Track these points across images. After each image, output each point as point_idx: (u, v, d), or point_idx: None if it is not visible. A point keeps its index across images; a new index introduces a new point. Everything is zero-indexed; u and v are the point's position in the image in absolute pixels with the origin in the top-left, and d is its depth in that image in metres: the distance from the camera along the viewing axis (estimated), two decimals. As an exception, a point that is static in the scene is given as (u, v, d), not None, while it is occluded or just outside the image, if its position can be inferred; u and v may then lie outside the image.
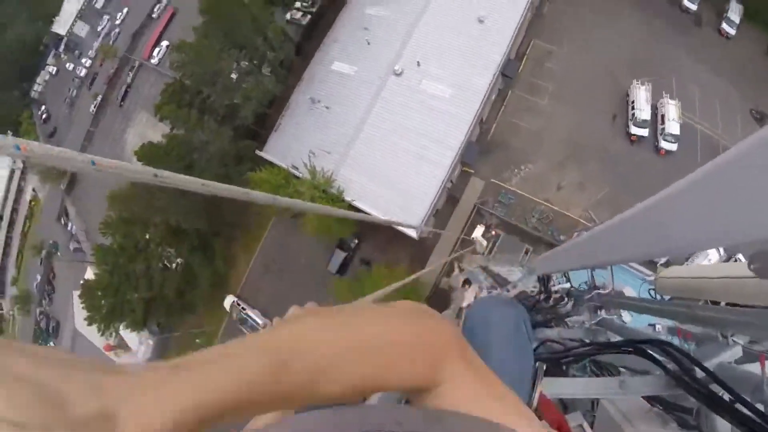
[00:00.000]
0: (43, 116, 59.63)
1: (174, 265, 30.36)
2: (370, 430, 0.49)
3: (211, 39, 27.60)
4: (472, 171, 25.94)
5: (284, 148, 27.08)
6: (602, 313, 3.30)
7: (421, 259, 24.75)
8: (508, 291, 5.44)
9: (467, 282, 14.25)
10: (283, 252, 30.19)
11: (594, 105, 25.69)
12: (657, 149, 24.35)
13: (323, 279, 26.88)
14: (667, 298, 2.69)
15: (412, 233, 23.37)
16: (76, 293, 33.62)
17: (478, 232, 23.87)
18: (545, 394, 1.73)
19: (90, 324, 31.28)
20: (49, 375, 0.39)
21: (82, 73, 54.66)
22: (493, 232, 24.18)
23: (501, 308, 1.97)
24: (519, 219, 24.53)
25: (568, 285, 4.20)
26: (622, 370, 2.44)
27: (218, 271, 30.18)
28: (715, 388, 1.61)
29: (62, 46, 61.24)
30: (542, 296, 4.13)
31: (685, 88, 25.04)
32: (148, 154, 27.68)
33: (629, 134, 24.77)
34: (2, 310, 60.74)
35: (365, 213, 22.28)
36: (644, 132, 24.43)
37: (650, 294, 2.86)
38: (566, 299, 3.79)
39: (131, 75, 46.73)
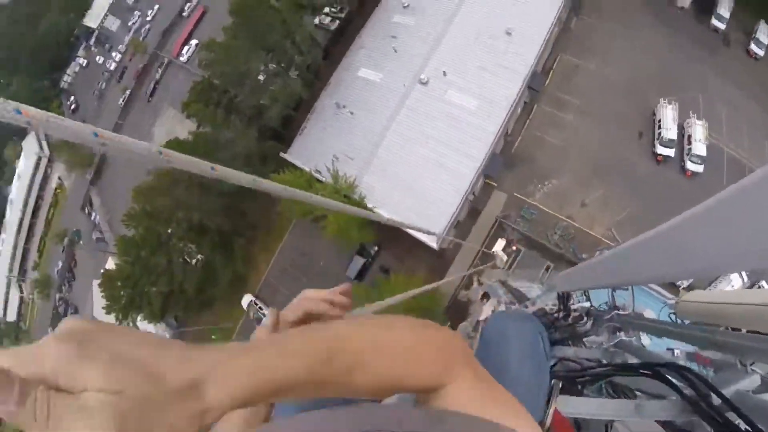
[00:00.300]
0: (72, 106, 60.78)
1: (194, 261, 30.74)
2: (371, 430, 0.50)
3: (241, 40, 27.93)
4: (495, 184, 25.80)
5: (308, 152, 27.32)
6: (621, 335, 3.25)
7: (440, 270, 24.68)
8: (526, 307, 5.43)
9: (486, 296, 14.23)
10: (302, 255, 30.37)
11: (620, 122, 25.36)
12: (683, 170, 23.94)
13: (341, 283, 26.87)
14: (687, 322, 2.67)
15: (433, 243, 23.35)
16: (96, 282, 34.23)
17: (499, 246, 23.74)
18: (560, 411, 1.74)
19: (108, 313, 31.75)
20: (144, 353, 0.48)
21: (112, 66, 55.65)
22: (514, 247, 23.99)
23: (518, 322, 2.02)
24: (541, 235, 24.29)
25: (587, 304, 4.18)
26: (638, 393, 2.40)
27: (238, 270, 30.46)
28: (731, 416, 1.58)
29: (93, 39, 62.37)
30: (561, 314, 4.10)
31: (712, 108, 24.58)
32: (174, 149, 28.02)
33: (655, 154, 24.40)
34: (23, 293, 62.14)
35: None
36: (670, 152, 24.04)
37: (670, 317, 2.83)
38: (585, 318, 3.74)
39: (160, 71, 47.48)
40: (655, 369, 1.92)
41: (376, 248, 27.82)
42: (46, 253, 59.71)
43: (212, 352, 0.52)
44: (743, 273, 18.59)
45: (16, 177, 64.14)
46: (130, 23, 56.59)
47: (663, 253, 1.07)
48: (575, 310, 4.03)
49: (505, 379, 1.63)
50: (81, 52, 64.69)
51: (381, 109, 26.57)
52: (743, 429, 1.54)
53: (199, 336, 33.21)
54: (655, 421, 1.94)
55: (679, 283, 18.15)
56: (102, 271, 35.60)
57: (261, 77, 28.37)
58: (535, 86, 25.74)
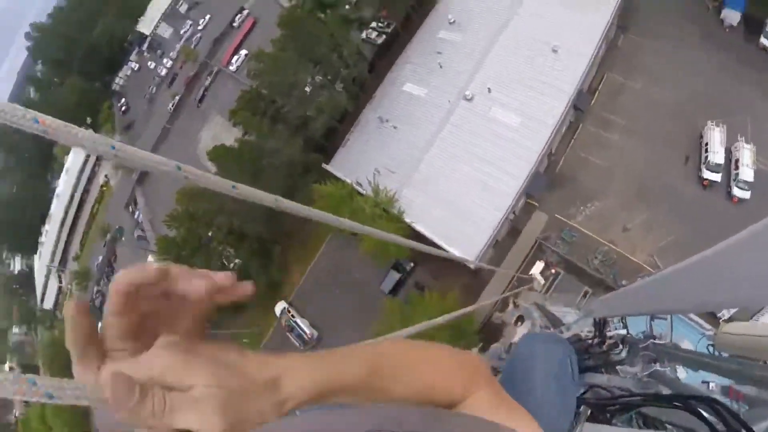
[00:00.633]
0: (123, 108, 63.50)
1: (232, 265, 31.37)
2: (371, 430, 0.52)
3: (289, 51, 28.67)
4: (537, 204, 25.40)
5: (350, 164, 27.64)
6: (656, 365, 3.17)
7: (475, 290, 24.32)
8: (561, 332, 5.32)
9: (520, 319, 14.03)
10: (338, 265, 30.56)
11: (666, 144, 24.61)
12: (729, 196, 23.01)
13: (374, 297, 26.89)
14: (725, 354, 2.60)
15: (469, 262, 23.10)
16: (134, 279, 35.33)
17: (537, 268, 23.24)
18: None
19: (143, 309, 32.70)
20: (232, 357, 0.60)
21: (163, 72, 57.98)
22: (553, 270, 23.46)
23: (548, 344, 2.07)
24: (581, 258, 23.68)
25: (624, 331, 4.07)
26: (668, 426, 2.34)
27: (273, 278, 30.90)
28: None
29: (146, 45, 65.29)
30: (596, 340, 4.02)
31: (761, 131, 23.47)
32: (220, 155, 28.96)
33: (701, 178, 23.56)
34: (62, 283, 64.41)
35: (424, 238, 22.41)
36: (717, 177, 23.17)
37: (708, 349, 2.78)
38: (621, 346, 3.67)
39: (209, 79, 49.14)
40: (687, 401, 1.92)
41: (411, 264, 27.70)
42: (88, 246, 61.93)
43: (286, 358, 0.65)
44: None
45: (64, 172, 66.84)
46: (182, 31, 59.04)
47: (706, 281, 1.06)
48: (611, 337, 3.94)
49: (530, 398, 1.77)
50: (133, 56, 67.66)
51: (425, 124, 26.65)
52: None
53: (230, 339, 33.56)
54: None
55: (720, 314, 17.49)
56: (141, 268, 36.68)
57: (307, 89, 28.97)
58: (580, 105, 25.35)
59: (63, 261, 64.91)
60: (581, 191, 25.30)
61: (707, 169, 23.31)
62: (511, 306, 21.86)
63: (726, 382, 2.62)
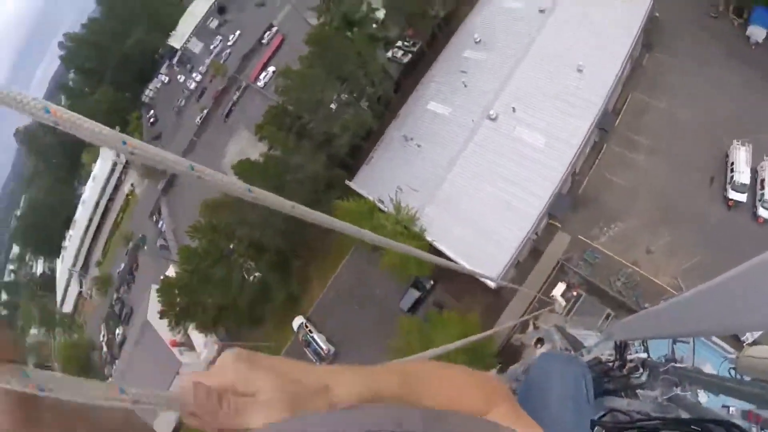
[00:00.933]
0: (151, 120, 65.26)
1: (252, 277, 31.60)
2: (371, 430, 0.52)
3: (316, 69, 29.16)
4: (560, 224, 25.12)
5: (373, 181, 27.84)
6: (677, 389, 3.12)
7: (495, 310, 24.03)
8: (582, 355, 5.26)
9: (540, 341, 13.81)
10: (357, 282, 30.53)
11: (691, 164, 24.23)
12: (755, 216, 22.53)
13: (393, 315, 26.61)
14: (747, 378, 2.56)
15: (490, 282, 22.91)
16: (155, 287, 35.72)
17: (559, 289, 22.91)
18: None
19: (162, 318, 33.00)
20: (287, 367, 0.73)
21: (192, 86, 59.56)
22: (575, 292, 23.09)
23: (563, 365, 2.10)
24: (603, 280, 23.27)
25: (644, 355, 4.03)
26: None
27: (292, 291, 31.02)
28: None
29: (176, 59, 67.36)
30: (616, 364, 3.98)
31: None
32: (245, 169, 29.42)
33: (726, 198, 23.08)
34: (82, 288, 65.48)
35: (445, 256, 22.31)
36: (742, 197, 22.71)
37: (730, 372, 2.75)
38: (641, 369, 3.62)
39: (237, 94, 50.26)
40: (705, 425, 1.93)
41: (431, 282, 27.52)
42: (111, 253, 63.16)
43: (335, 369, 0.79)
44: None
45: (90, 179, 68.61)
46: (212, 47, 60.70)
47: (730, 302, 1.05)
48: (631, 361, 3.92)
49: (544, 417, 1.77)
50: (164, 69, 69.78)
51: (448, 143, 26.74)
52: None
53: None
54: None
55: (744, 337, 17.03)
56: (162, 277, 37.13)
57: (333, 106, 29.39)
58: (604, 125, 25.17)
59: (85, 266, 66.42)
60: (605, 212, 24.99)
61: (732, 189, 22.90)
62: (531, 327, 21.55)
63: (747, 406, 2.62)
